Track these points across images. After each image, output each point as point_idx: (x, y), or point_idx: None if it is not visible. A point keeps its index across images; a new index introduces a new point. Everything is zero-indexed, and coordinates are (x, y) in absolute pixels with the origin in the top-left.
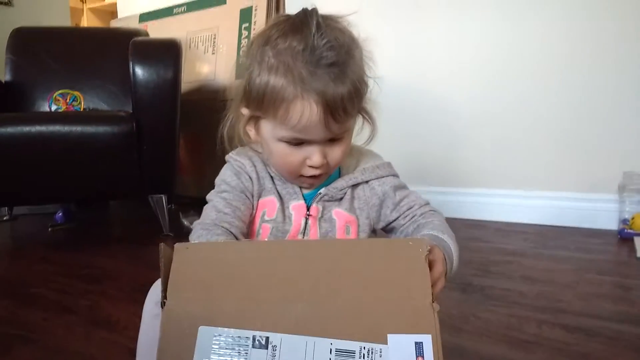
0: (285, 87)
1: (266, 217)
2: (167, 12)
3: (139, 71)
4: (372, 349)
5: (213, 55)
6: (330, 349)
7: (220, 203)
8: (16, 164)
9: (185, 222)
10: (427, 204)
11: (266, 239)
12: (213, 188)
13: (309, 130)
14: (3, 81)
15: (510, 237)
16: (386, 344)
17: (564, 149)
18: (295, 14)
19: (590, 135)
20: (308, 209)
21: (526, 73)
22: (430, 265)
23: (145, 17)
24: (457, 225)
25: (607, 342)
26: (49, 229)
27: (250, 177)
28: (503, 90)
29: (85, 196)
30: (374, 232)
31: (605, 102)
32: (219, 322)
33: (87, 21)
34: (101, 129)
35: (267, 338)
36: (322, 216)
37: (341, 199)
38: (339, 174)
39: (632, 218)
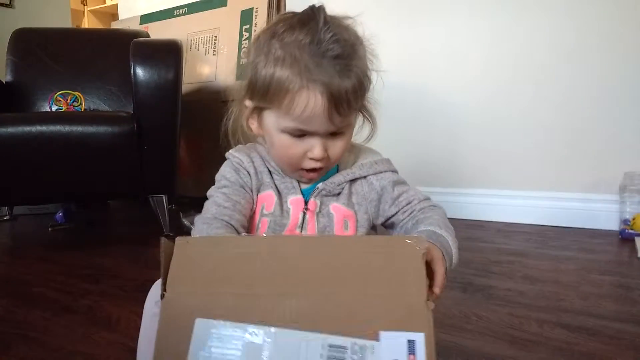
0: (292, 78)
1: (265, 211)
2: (168, 13)
3: (140, 72)
4: (364, 345)
5: (214, 56)
6: (323, 344)
7: (220, 198)
8: (17, 163)
9: (186, 222)
10: (427, 199)
11: (265, 233)
12: None
13: (313, 121)
14: (4, 82)
15: (511, 238)
16: (378, 340)
17: (565, 150)
18: (302, 11)
19: (591, 136)
20: (306, 204)
21: (527, 75)
22: (431, 267)
23: (146, 18)
24: (458, 225)
25: (609, 342)
26: (49, 229)
27: (248, 173)
28: (505, 91)
29: (86, 196)
30: (373, 229)
31: (606, 103)
32: (215, 314)
33: (88, 23)
34: (102, 129)
35: (262, 332)
36: (319, 211)
37: (339, 194)
38: (337, 170)
39: (633, 218)
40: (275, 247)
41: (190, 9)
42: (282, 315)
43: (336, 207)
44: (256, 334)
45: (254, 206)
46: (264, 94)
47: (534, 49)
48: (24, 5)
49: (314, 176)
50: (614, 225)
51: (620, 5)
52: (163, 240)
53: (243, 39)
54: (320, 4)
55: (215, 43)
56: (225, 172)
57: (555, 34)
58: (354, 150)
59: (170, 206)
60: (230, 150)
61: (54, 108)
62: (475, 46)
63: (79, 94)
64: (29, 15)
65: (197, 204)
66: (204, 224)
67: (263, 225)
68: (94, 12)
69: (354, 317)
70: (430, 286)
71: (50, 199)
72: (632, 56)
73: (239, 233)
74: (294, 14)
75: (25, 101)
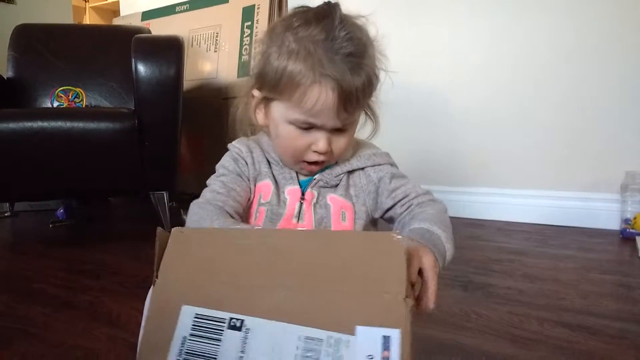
0: (304, 72)
1: (262, 200)
2: (169, 10)
3: (142, 68)
4: (339, 338)
5: (215, 53)
6: (300, 336)
7: (216, 185)
8: (18, 159)
9: (186, 219)
10: (427, 193)
11: (262, 222)
12: None
13: (321, 115)
14: (5, 78)
15: (512, 236)
16: (354, 335)
17: (566, 149)
18: (318, 6)
19: (593, 135)
20: (303, 194)
21: (529, 74)
22: (421, 271)
23: (147, 15)
24: (459, 224)
25: (610, 341)
26: (50, 225)
27: (246, 162)
28: (506, 91)
29: (87, 192)
30: (374, 224)
31: (607, 102)
32: (200, 302)
33: (90, 19)
34: (103, 125)
35: (242, 321)
36: (317, 202)
37: (337, 185)
38: (336, 162)
39: (634, 218)
40: (264, 240)
41: (192, 5)
42: (262, 306)
43: (333, 199)
44: (237, 323)
45: (252, 195)
46: (275, 85)
47: (535, 51)
48: (25, 1)
49: (315, 169)
50: (614, 224)
51: (620, 5)
52: (159, 230)
53: (244, 35)
54: (336, 1)
55: (216, 40)
56: (224, 162)
57: (555, 34)
58: (353, 143)
59: (171, 203)
60: (232, 142)
61: (55, 104)
62: (475, 46)
63: (80, 90)
64: (30, 11)
65: None
66: (197, 208)
67: (260, 214)
68: (95, 8)
69: (332, 311)
70: (414, 286)
71: (51, 195)
72: (632, 56)
73: (232, 218)
74: (309, 8)
75: (27, 97)
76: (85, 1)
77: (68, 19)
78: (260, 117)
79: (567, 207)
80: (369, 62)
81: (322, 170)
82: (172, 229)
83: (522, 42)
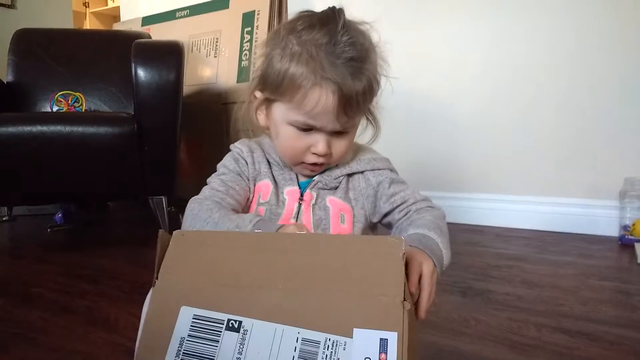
0: (306, 75)
1: (261, 200)
2: (169, 15)
3: (141, 73)
4: (337, 341)
5: (215, 58)
6: (297, 338)
7: (216, 183)
8: (17, 163)
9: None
10: (425, 199)
11: None
12: None
13: (321, 117)
14: (5, 82)
15: (511, 242)
16: (352, 337)
17: (565, 155)
18: (322, 11)
19: (592, 142)
20: (301, 195)
21: (529, 80)
22: (420, 276)
23: (147, 20)
24: (458, 230)
25: (609, 347)
26: (49, 230)
27: (246, 162)
28: (506, 97)
29: (86, 197)
30: (373, 229)
31: (606, 109)
32: (199, 304)
33: (90, 25)
34: (102, 129)
35: (240, 322)
36: (315, 203)
37: (336, 188)
38: (336, 165)
39: (633, 224)
40: (262, 243)
41: (192, 11)
42: (261, 308)
43: (333, 201)
44: (235, 324)
45: (251, 195)
46: (277, 86)
47: (536, 57)
48: (25, 6)
49: (315, 169)
50: (613, 231)
51: (620, 5)
52: (161, 232)
53: (244, 41)
54: (340, 6)
55: (216, 45)
56: (225, 161)
57: (555, 34)
58: (353, 147)
59: (170, 208)
60: (234, 143)
61: (55, 108)
62: (475, 47)
63: (80, 94)
64: (30, 16)
65: None
66: (195, 204)
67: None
68: (95, 14)
69: (330, 313)
70: (414, 291)
71: (50, 200)
72: (632, 56)
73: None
74: (314, 12)
75: (26, 101)
76: (86, 6)
77: (68, 24)
78: (261, 118)
79: (567, 213)
80: (371, 67)
81: (321, 172)
82: (174, 232)
83: (524, 50)
